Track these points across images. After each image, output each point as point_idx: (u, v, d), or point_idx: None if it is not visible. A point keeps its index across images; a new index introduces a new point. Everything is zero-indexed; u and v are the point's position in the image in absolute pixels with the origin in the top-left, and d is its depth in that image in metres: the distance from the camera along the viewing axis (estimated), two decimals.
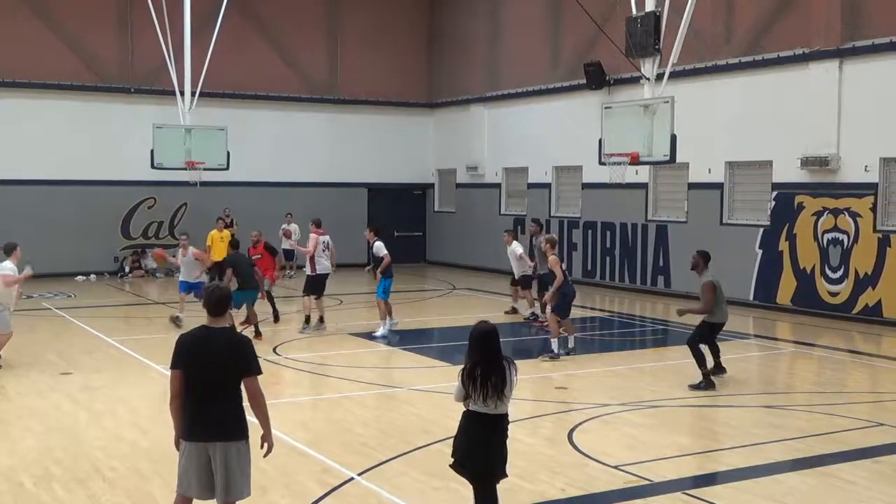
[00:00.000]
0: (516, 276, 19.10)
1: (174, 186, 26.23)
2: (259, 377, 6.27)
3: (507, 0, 28.18)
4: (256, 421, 6.30)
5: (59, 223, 25.89)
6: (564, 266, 15.33)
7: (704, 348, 12.87)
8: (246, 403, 6.27)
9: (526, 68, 27.19)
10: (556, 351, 14.51)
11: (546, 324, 16.54)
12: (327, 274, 17.39)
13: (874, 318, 18.36)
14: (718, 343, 13.35)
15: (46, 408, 11.44)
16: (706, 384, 12.55)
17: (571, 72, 25.29)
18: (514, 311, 19.69)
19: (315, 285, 17.20)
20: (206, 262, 18.50)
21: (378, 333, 16.55)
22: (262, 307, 17.07)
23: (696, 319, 13.26)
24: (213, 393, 6.13)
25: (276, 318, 17.82)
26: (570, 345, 14.94)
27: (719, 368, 13.15)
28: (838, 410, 11.48)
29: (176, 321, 17.20)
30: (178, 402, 6.21)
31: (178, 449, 6.31)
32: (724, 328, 13.32)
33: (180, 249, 18.22)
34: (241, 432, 6.20)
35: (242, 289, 16.11)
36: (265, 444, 6.35)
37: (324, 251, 17.33)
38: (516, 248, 18.92)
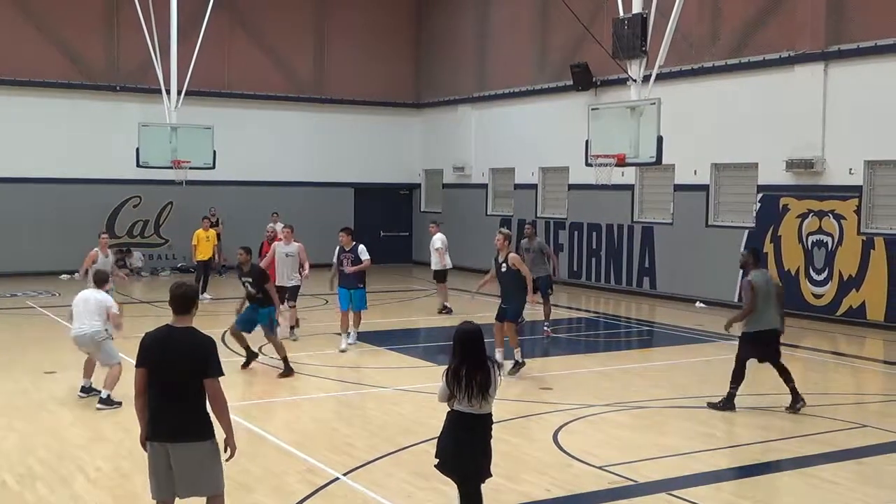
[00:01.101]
0: (433, 269, 19.30)
1: (160, 185, 26.15)
2: (221, 378, 6.16)
3: (494, 1, 28.20)
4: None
5: (43, 221, 25.77)
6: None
7: (763, 368, 11.63)
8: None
9: (513, 69, 27.21)
10: (521, 360, 13.19)
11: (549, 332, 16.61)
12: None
13: (858, 320, 18.45)
14: (785, 362, 11.67)
15: (30, 407, 11.38)
16: (724, 404, 11.40)
17: (558, 73, 25.33)
18: (445, 308, 19.79)
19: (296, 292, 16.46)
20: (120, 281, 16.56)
21: (344, 345, 15.19)
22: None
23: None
24: (175, 393, 6.05)
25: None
26: (517, 357, 13.28)
27: (794, 398, 11.31)
28: (822, 412, 11.52)
29: None
30: (141, 401, 6.17)
31: (144, 449, 6.26)
32: (777, 340, 11.59)
33: (98, 249, 15.54)
34: (203, 433, 6.11)
35: (263, 305, 13.47)
36: (228, 449, 6.28)
37: None
38: (436, 241, 19.38)
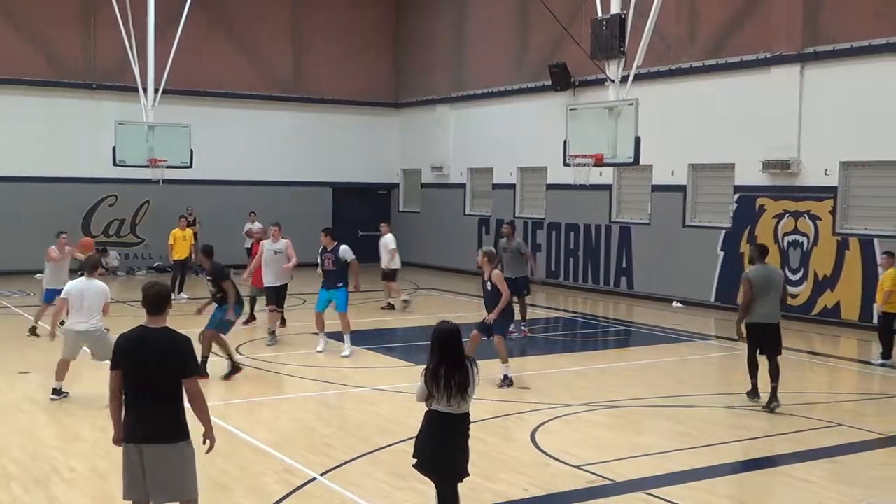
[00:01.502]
0: (384, 269, 19.65)
1: (136, 184, 26.01)
2: (198, 377, 6.16)
3: (473, 1, 28.22)
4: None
5: (18, 220, 25.54)
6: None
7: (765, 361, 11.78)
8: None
9: (491, 69, 27.24)
10: (509, 376, 12.69)
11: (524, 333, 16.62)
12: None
13: (833, 319, 18.60)
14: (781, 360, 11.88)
15: (4, 407, 11.30)
16: (751, 396, 11.90)
17: (537, 73, 25.38)
18: (391, 306, 20.12)
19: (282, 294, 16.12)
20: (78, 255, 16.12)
21: (346, 353, 14.69)
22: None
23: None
24: (151, 394, 6.01)
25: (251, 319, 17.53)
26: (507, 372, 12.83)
27: (772, 397, 11.49)
28: (797, 411, 11.61)
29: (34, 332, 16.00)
30: (116, 403, 6.13)
31: (118, 447, 6.22)
32: (776, 335, 11.81)
33: (55, 248, 15.86)
34: (178, 434, 6.08)
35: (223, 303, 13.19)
36: (207, 441, 6.26)
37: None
38: (389, 241, 19.75)
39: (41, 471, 8.76)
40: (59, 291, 15.24)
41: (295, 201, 28.72)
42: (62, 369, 11.59)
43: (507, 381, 12.62)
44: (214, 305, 13.23)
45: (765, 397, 11.69)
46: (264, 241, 16.45)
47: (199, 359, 12.53)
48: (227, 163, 28.08)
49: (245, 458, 9.17)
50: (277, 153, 29.33)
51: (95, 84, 26.51)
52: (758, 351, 11.93)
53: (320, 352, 14.93)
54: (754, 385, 12.00)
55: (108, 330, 11.56)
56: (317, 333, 15.21)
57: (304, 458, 9.22)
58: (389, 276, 20.24)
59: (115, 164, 22.72)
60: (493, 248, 13.65)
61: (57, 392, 11.56)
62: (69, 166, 26.14)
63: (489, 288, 12.82)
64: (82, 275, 11.63)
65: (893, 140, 17.67)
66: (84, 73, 26.55)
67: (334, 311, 14.87)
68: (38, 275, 24.67)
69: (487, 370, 11.77)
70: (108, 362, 6.30)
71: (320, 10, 29.77)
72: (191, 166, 23.36)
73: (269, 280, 15.87)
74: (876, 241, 17.86)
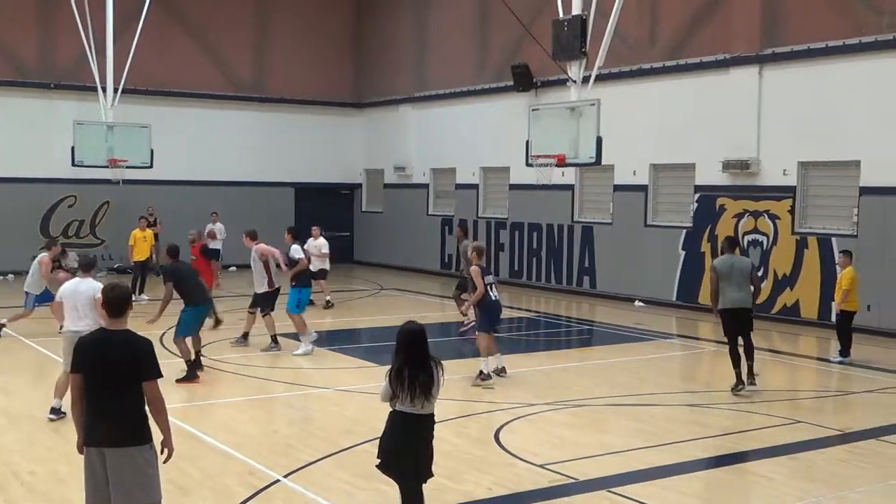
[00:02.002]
0: (314, 269, 19.48)
1: (96, 184, 25.71)
2: (159, 380, 6.06)
3: (435, 1, 28.23)
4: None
5: None
6: (494, 279, 13.53)
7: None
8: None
9: (454, 69, 27.26)
10: (485, 372, 12.85)
11: (469, 326, 16.63)
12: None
13: (792, 318, 18.82)
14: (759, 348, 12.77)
15: None
16: (736, 384, 12.35)
17: (499, 73, 25.44)
18: (330, 304, 20.38)
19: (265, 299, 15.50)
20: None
21: (298, 351, 14.74)
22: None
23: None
24: (112, 397, 5.94)
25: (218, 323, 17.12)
26: (499, 364, 13.34)
27: (738, 380, 12.36)
28: (757, 408, 11.73)
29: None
30: (79, 407, 6.06)
31: (81, 453, 6.14)
32: (746, 318, 12.49)
33: (47, 259, 15.76)
34: (140, 437, 6.00)
35: (193, 304, 13.15)
36: (165, 450, 6.20)
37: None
38: (324, 245, 20.10)
39: (0, 475, 8.64)
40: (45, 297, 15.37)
41: (257, 202, 28.55)
42: (63, 385, 10.44)
43: (482, 377, 12.71)
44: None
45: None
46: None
47: (193, 357, 12.74)
48: (188, 163, 27.85)
49: (207, 461, 9.10)
50: (239, 153, 29.13)
51: (53, 84, 26.17)
52: (738, 339, 12.48)
53: (301, 353, 14.73)
54: (738, 375, 12.39)
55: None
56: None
57: (267, 459, 9.17)
58: (321, 275, 20.17)
59: (73, 164, 22.49)
60: (481, 244, 14.09)
61: (56, 411, 10.65)
62: (27, 167, 25.77)
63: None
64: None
65: (850, 140, 17.92)
66: (41, 73, 26.19)
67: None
68: (10, 276, 24.41)
69: (452, 371, 11.77)
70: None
71: (282, 9, 29.62)
72: (151, 166, 23.18)
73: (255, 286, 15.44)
74: (834, 240, 18.10)
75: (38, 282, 15.69)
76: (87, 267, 10.80)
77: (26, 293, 15.78)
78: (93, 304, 10.08)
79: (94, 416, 5.98)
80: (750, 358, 12.38)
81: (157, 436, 6.14)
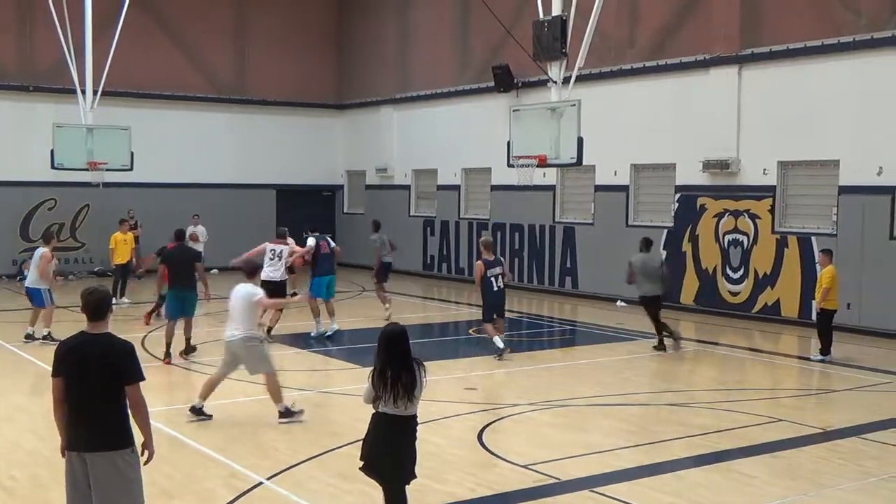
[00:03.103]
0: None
1: (76, 187, 25.55)
2: (142, 384, 6.04)
3: (415, 2, 28.22)
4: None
5: None
6: (502, 270, 15.40)
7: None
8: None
9: (435, 70, 27.27)
10: (501, 347, 14.92)
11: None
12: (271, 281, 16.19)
13: (773, 316, 18.92)
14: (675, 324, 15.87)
15: None
16: (658, 346, 15.83)
17: (480, 74, 25.46)
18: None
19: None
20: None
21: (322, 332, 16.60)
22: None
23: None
24: (94, 401, 5.90)
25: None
26: (499, 345, 14.92)
27: (660, 343, 15.86)
28: (739, 407, 11.79)
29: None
30: (60, 411, 6.00)
31: (63, 457, 6.10)
32: (655, 303, 16.03)
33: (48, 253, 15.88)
34: (123, 441, 5.97)
35: (176, 287, 14.43)
36: (146, 452, 6.17)
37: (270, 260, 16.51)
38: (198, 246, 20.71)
39: None
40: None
41: (238, 204, 28.48)
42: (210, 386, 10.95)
43: (498, 353, 14.76)
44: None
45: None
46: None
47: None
48: (169, 165, 27.74)
49: (190, 464, 9.06)
50: (220, 155, 29.03)
51: (32, 86, 26.00)
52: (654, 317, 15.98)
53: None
54: (660, 340, 15.86)
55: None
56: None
57: (249, 462, 9.14)
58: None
59: (53, 167, 22.35)
60: (489, 238, 16.74)
61: (196, 411, 10.88)
62: (6, 170, 25.60)
63: None
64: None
65: (829, 140, 18.04)
66: (20, 75, 26.02)
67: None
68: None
69: (436, 372, 11.75)
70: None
71: (262, 10, 29.54)
72: (131, 169, 23.08)
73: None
74: (814, 239, 18.21)
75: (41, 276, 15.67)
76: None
77: (35, 290, 15.68)
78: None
79: (75, 421, 5.94)
80: (659, 333, 15.86)
81: (137, 438, 6.12)
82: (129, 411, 6.04)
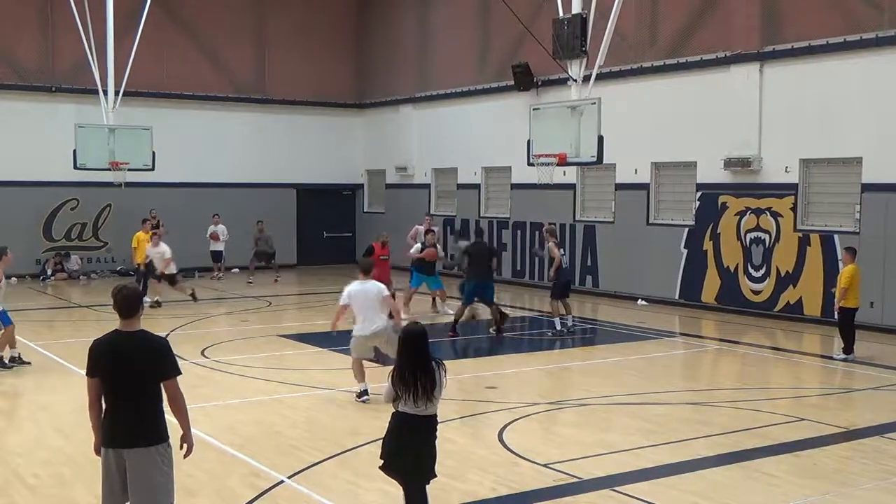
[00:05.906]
0: (166, 273, 20.36)
1: (98, 187, 25.70)
2: (179, 378, 6.11)
3: (434, 1, 28.22)
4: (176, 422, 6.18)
5: None
6: (563, 253, 17.56)
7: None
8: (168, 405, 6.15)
9: (454, 69, 27.26)
10: (558, 328, 17.05)
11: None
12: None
13: (795, 315, 18.80)
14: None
15: None
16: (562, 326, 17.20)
17: (500, 73, 25.43)
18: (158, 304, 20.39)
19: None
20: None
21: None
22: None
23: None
24: (131, 398, 5.95)
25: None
26: (569, 323, 17.36)
27: (495, 325, 17.13)
28: (761, 406, 11.73)
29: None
30: (95, 410, 6.05)
31: (98, 455, 6.15)
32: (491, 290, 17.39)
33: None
34: (159, 436, 6.03)
35: (477, 281, 17.10)
36: (185, 445, 6.23)
37: None
38: (166, 250, 20.30)
39: (3, 477, 8.64)
40: None
41: (259, 203, 28.57)
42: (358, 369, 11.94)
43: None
44: None
45: None
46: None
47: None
48: (190, 165, 27.86)
49: (212, 462, 9.10)
50: (240, 155, 29.13)
51: (54, 87, 26.19)
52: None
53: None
54: (494, 319, 17.00)
55: None
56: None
57: (271, 461, 9.18)
58: (170, 279, 20.56)
59: (75, 167, 22.51)
60: (553, 226, 19.03)
61: (363, 393, 11.76)
62: (29, 170, 25.79)
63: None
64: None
65: (851, 137, 17.91)
66: (42, 76, 26.20)
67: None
68: (13, 279, 24.37)
69: (455, 371, 11.76)
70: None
71: (282, 10, 29.62)
72: (153, 169, 23.21)
73: None
74: (836, 237, 18.08)
75: None
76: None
77: None
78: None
79: (111, 418, 5.99)
80: (495, 323, 17.01)
81: (173, 437, 6.18)
82: (168, 406, 6.10)
